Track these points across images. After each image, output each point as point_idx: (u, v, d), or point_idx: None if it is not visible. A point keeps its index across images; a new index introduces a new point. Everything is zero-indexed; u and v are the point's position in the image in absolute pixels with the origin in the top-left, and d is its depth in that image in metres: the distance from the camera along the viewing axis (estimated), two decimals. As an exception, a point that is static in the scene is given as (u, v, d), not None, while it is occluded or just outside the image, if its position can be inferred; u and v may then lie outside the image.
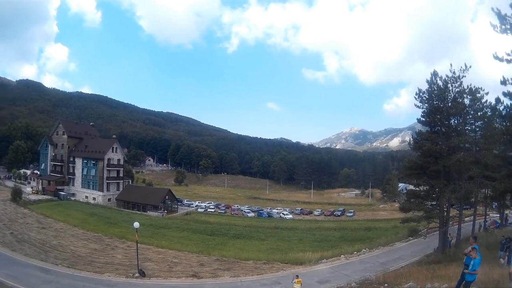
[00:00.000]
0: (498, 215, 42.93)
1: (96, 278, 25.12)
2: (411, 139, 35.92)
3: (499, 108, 32.29)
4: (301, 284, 21.60)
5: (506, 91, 19.61)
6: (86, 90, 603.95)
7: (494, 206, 46.53)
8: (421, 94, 32.10)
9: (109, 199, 76.06)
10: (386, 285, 16.60)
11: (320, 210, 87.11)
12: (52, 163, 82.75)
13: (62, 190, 75.98)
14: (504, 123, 32.48)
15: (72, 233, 43.64)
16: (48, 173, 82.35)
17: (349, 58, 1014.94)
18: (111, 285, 22.98)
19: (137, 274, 26.74)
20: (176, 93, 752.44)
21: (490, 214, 48.76)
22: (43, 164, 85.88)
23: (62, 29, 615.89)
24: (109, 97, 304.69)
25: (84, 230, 45.71)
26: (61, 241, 38.38)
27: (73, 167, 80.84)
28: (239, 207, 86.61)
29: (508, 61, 18.19)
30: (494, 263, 14.97)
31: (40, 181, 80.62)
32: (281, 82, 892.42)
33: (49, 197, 70.25)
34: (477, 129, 33.17)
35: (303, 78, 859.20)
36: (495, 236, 24.49)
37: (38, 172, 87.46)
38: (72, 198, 74.80)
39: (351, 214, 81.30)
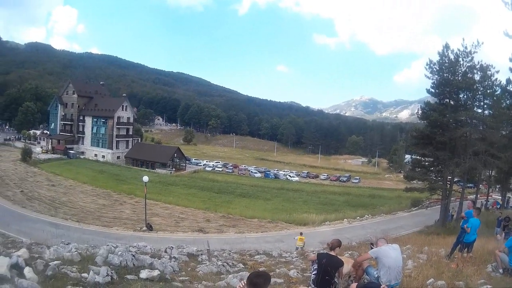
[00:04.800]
0: (500, 197, 43.39)
1: (105, 232, 25.78)
2: (420, 109, 35.85)
3: (509, 89, 32.04)
4: (303, 242, 21.89)
5: (513, 67, 19.17)
6: (95, 51, 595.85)
7: (497, 188, 47.13)
8: (431, 65, 32.35)
9: (118, 157, 76.14)
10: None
11: (326, 174, 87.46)
12: (62, 122, 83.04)
13: (71, 148, 76.92)
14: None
15: (82, 189, 44.55)
16: (58, 133, 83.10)
17: (362, 26, 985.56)
18: (119, 238, 22.86)
19: (144, 228, 27.44)
20: (186, 53, 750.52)
21: (493, 195, 49.05)
22: (52, 124, 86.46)
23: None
24: (118, 57, 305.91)
25: (93, 186, 46.64)
26: (71, 198, 39.27)
27: (83, 126, 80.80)
28: (246, 167, 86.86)
29: (518, 39, 17.76)
30: (491, 238, 15.06)
31: (50, 140, 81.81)
32: (292, 46, 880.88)
33: (59, 156, 71.82)
34: (485, 106, 33.11)
35: (314, 43, 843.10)
36: (495, 216, 24.56)
37: (48, 132, 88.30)
38: (82, 157, 75.71)
39: (357, 180, 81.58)
